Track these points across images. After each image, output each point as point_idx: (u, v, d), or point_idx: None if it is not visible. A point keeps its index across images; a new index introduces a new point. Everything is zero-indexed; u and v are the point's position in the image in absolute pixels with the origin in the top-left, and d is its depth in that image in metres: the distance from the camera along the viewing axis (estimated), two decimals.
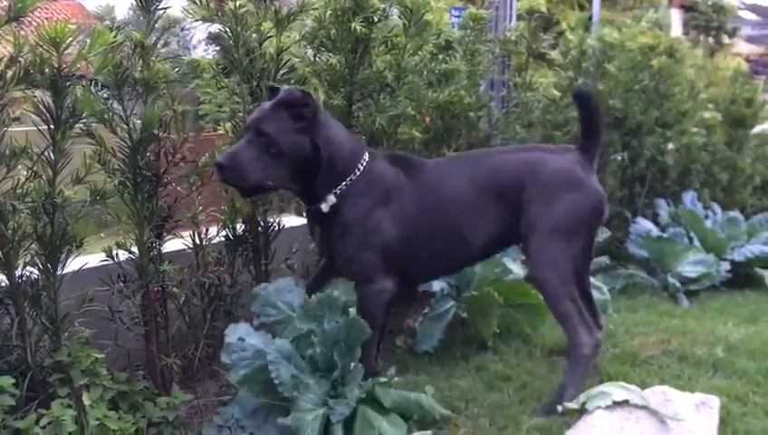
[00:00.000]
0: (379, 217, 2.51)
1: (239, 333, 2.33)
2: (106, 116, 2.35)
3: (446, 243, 2.63)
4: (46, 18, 2.17)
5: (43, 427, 2.07)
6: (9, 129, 2.12)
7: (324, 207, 2.50)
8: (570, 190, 2.60)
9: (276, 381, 2.23)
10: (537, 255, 2.59)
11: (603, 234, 4.23)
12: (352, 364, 2.36)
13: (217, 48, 2.97)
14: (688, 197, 5.17)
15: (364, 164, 2.53)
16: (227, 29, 2.68)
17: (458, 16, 4.60)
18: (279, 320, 2.45)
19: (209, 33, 2.95)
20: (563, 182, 2.61)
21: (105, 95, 2.39)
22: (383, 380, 2.44)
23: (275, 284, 2.53)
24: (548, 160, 2.66)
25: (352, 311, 2.38)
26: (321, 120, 2.45)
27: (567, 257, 2.58)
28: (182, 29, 2.76)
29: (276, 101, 2.41)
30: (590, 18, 4.99)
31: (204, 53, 3.13)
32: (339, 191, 2.50)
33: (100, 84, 2.35)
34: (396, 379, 2.46)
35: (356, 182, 2.51)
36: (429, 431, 2.35)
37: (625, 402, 2.23)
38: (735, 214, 5.20)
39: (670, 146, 5.10)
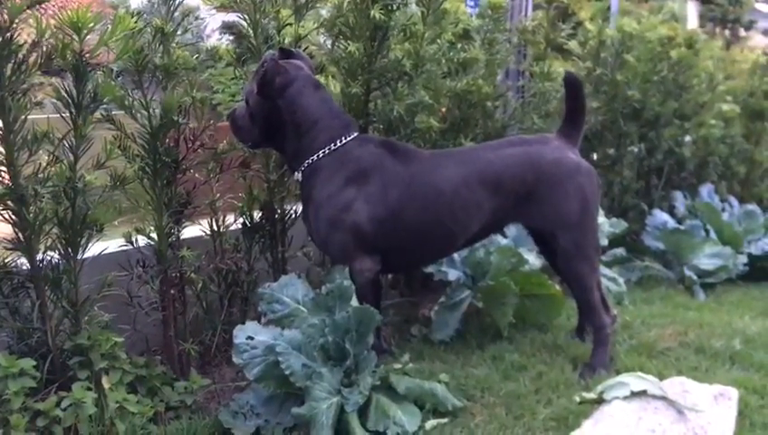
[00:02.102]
0: (350, 195, 2.51)
1: (247, 333, 2.33)
2: (126, 102, 2.36)
3: (432, 231, 2.63)
4: (61, 6, 2.18)
5: (64, 409, 2.10)
6: (31, 114, 2.13)
7: (296, 175, 2.59)
8: (576, 178, 2.70)
9: (287, 372, 2.24)
10: (570, 248, 2.70)
11: (619, 226, 4.21)
12: (365, 352, 2.37)
13: (231, 37, 2.97)
14: (705, 189, 5.12)
15: (342, 142, 2.54)
16: (246, 16, 2.69)
17: (474, 6, 4.58)
18: (286, 314, 2.46)
19: (223, 22, 2.95)
20: (568, 172, 2.70)
21: (121, 83, 2.40)
22: (397, 366, 2.44)
23: (278, 281, 2.53)
24: (545, 153, 2.70)
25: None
26: (292, 88, 2.48)
27: (593, 245, 2.76)
28: (196, 18, 2.77)
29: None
30: (608, 9, 4.93)
31: (218, 42, 3.16)
32: (308, 163, 2.55)
33: (115, 72, 2.36)
34: (410, 365, 2.47)
35: (328, 159, 2.53)
36: (446, 419, 2.35)
37: (643, 393, 2.23)
38: (753, 207, 5.14)
39: (688, 138, 5.04)
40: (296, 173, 2.60)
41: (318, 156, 2.54)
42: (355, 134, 2.58)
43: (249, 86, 2.55)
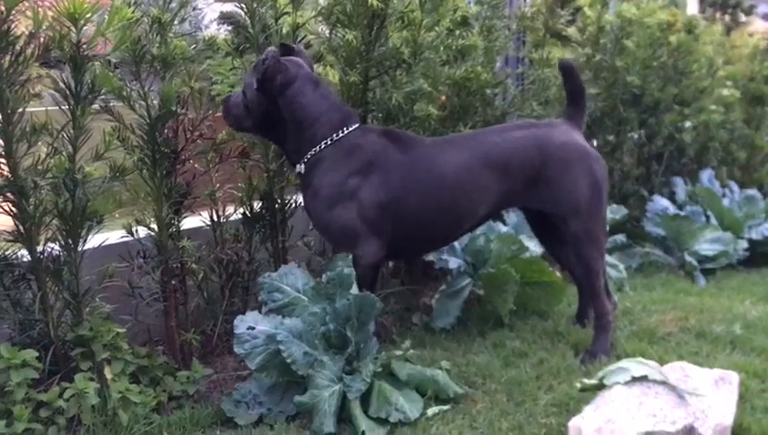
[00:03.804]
0: (352, 185, 2.51)
1: (248, 323, 2.34)
2: (124, 93, 2.36)
3: (438, 217, 2.63)
4: None
5: (67, 399, 2.11)
6: (30, 107, 2.13)
7: (298, 167, 2.59)
8: (586, 162, 2.71)
9: (289, 360, 2.26)
10: (579, 233, 2.71)
11: (620, 212, 4.21)
12: (366, 339, 2.38)
13: (229, 28, 2.95)
14: (706, 175, 5.12)
15: (344, 133, 2.54)
16: (243, 5, 2.68)
17: None
18: (286, 303, 2.47)
19: (221, 12, 2.93)
20: (578, 156, 2.71)
21: (119, 74, 2.40)
22: (399, 353, 2.45)
23: (278, 271, 2.54)
24: (553, 136, 2.71)
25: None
26: (293, 87, 2.48)
27: (601, 229, 2.77)
28: (194, 8, 2.76)
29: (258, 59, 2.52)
30: None
31: (216, 32, 3.14)
32: (309, 156, 2.54)
33: (113, 64, 2.36)
34: (411, 351, 2.48)
35: (329, 149, 2.53)
36: (447, 406, 2.36)
37: (644, 378, 2.23)
38: (753, 192, 5.13)
39: (688, 124, 5.02)
40: (297, 166, 2.59)
41: (320, 147, 2.53)
42: (356, 125, 2.58)
43: (248, 78, 2.53)
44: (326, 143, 2.53)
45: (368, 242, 2.53)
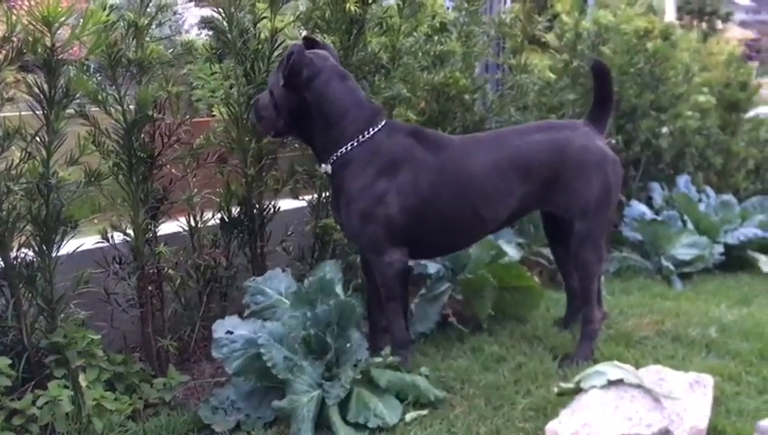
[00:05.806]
0: (382, 187, 2.50)
1: (226, 327, 2.34)
2: (100, 97, 2.34)
3: (463, 219, 2.64)
4: (38, 1, 2.15)
5: (40, 407, 2.09)
6: (3, 111, 2.11)
7: (324, 168, 2.57)
8: (602, 166, 2.71)
9: (269, 364, 2.25)
10: (582, 234, 2.70)
11: None
12: (347, 345, 2.38)
13: (209, 33, 2.95)
14: (682, 180, 5.18)
15: (371, 132, 2.52)
16: (221, 10, 2.67)
17: None
18: (268, 305, 2.47)
19: (201, 17, 2.93)
20: (593, 160, 2.70)
21: (97, 79, 2.38)
22: (379, 359, 2.45)
23: (264, 275, 2.55)
24: (573, 139, 2.71)
25: (339, 291, 2.40)
26: (319, 79, 2.45)
27: (604, 235, 2.77)
28: (174, 13, 2.75)
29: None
30: (585, 1, 4.95)
31: (196, 37, 3.14)
32: (338, 156, 2.52)
33: (92, 69, 2.34)
34: (391, 358, 2.48)
35: (358, 149, 2.51)
36: (425, 411, 2.36)
37: (620, 381, 2.25)
38: (729, 197, 5.22)
39: (664, 129, 5.09)
40: (324, 166, 2.57)
41: (347, 148, 2.51)
42: (383, 123, 2.57)
43: (274, 77, 2.51)
44: (353, 144, 2.51)
45: (394, 248, 2.53)
